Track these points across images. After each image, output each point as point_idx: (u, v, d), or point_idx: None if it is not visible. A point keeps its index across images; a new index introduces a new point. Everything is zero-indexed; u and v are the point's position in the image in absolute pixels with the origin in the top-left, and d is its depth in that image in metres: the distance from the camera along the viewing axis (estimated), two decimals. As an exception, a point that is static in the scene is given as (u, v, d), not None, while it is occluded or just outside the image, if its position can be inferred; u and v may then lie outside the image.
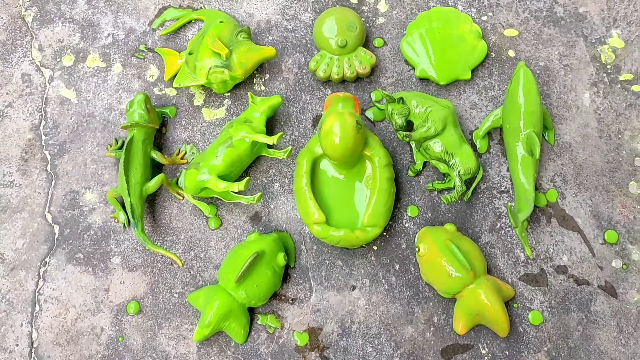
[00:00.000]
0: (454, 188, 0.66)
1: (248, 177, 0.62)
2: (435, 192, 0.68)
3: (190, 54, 0.70)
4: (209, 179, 0.63)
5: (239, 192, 0.65)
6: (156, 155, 0.67)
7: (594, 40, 0.73)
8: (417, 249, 0.63)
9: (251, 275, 0.61)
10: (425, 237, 0.63)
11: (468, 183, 0.67)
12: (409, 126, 0.68)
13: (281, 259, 0.62)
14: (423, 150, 0.67)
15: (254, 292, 0.61)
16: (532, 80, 0.65)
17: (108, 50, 0.74)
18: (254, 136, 0.64)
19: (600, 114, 0.70)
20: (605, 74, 0.72)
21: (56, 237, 0.67)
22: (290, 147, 0.65)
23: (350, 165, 0.65)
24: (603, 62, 0.72)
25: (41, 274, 0.66)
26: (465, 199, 0.66)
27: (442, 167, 0.66)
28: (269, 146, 0.68)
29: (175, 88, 0.72)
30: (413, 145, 0.69)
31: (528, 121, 0.64)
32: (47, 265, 0.66)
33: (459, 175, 0.64)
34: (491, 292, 0.60)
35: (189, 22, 0.75)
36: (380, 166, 0.64)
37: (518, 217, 0.62)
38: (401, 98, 0.66)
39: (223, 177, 0.64)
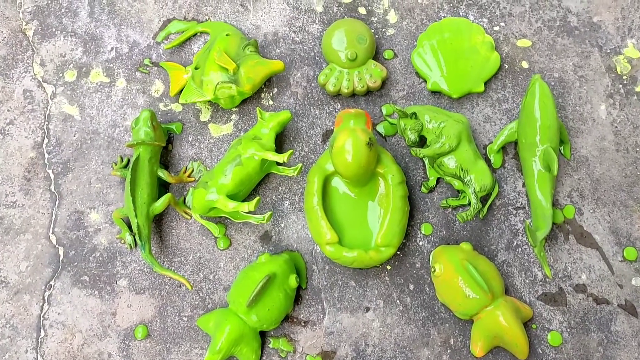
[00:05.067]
0: (469, 205, 0.65)
1: (258, 197, 0.60)
2: (450, 209, 0.66)
3: (196, 68, 0.68)
4: (217, 198, 0.61)
5: (248, 212, 0.63)
6: (163, 174, 0.65)
7: (609, 51, 0.72)
8: (432, 269, 0.61)
9: (263, 299, 0.59)
10: (441, 257, 0.61)
11: (483, 200, 0.65)
12: (421, 141, 0.67)
13: (293, 281, 0.60)
14: (437, 167, 0.65)
15: (266, 315, 0.59)
16: (548, 94, 0.64)
17: (111, 65, 0.72)
18: (264, 154, 0.62)
19: (617, 127, 0.68)
20: (621, 85, 0.70)
21: (61, 259, 0.65)
22: (300, 164, 0.63)
23: (362, 183, 0.63)
24: (619, 73, 0.71)
25: (46, 297, 0.64)
26: (480, 216, 0.64)
27: (457, 184, 0.64)
28: (279, 163, 0.66)
29: (182, 104, 0.70)
30: (426, 161, 0.67)
31: (544, 136, 0.63)
32: (52, 289, 0.64)
33: (474, 192, 0.63)
34: (510, 314, 0.58)
35: (194, 35, 0.73)
36: (394, 184, 0.62)
37: (537, 236, 0.60)
38: (414, 113, 0.64)
39: (232, 196, 0.62)
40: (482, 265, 0.60)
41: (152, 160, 0.65)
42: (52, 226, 0.66)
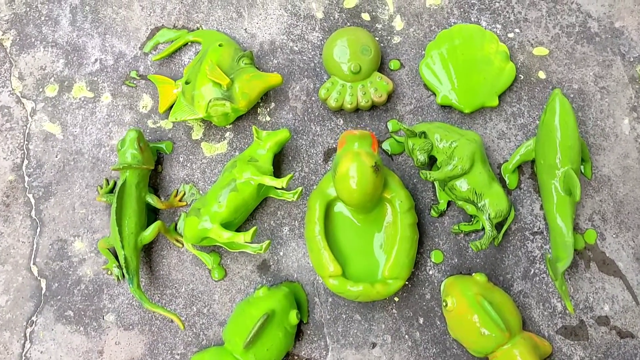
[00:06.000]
0: (483, 230, 0.60)
1: (255, 227, 0.55)
2: (462, 235, 0.61)
3: (187, 82, 0.63)
4: (211, 227, 0.57)
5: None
6: (152, 200, 0.60)
7: (632, 59, 0.66)
8: (444, 303, 0.56)
9: (261, 339, 0.54)
10: (453, 290, 0.57)
11: (499, 225, 0.60)
12: (431, 160, 0.62)
13: (294, 317, 0.56)
14: (448, 190, 0.60)
15: (265, 356, 0.55)
16: (569, 111, 0.58)
17: (96, 78, 0.67)
18: (261, 178, 0.58)
19: (641, 143, 0.64)
20: (645, 97, 0.65)
21: (43, 292, 0.61)
22: (300, 188, 0.58)
23: (368, 210, 0.58)
24: (643, 83, 0.65)
25: (27, 334, 0.60)
26: (495, 243, 0.60)
27: (470, 209, 0.59)
28: (277, 187, 0.61)
29: (172, 122, 0.65)
30: (436, 183, 0.62)
31: (565, 157, 0.58)
32: (34, 325, 0.60)
33: (489, 219, 0.58)
34: (528, 353, 0.54)
35: (185, 44, 0.68)
36: (402, 211, 0.57)
37: (557, 269, 0.56)
38: (423, 132, 0.59)
39: (227, 224, 0.58)
40: (498, 299, 0.56)
41: (140, 185, 0.60)
42: (33, 256, 0.62)
